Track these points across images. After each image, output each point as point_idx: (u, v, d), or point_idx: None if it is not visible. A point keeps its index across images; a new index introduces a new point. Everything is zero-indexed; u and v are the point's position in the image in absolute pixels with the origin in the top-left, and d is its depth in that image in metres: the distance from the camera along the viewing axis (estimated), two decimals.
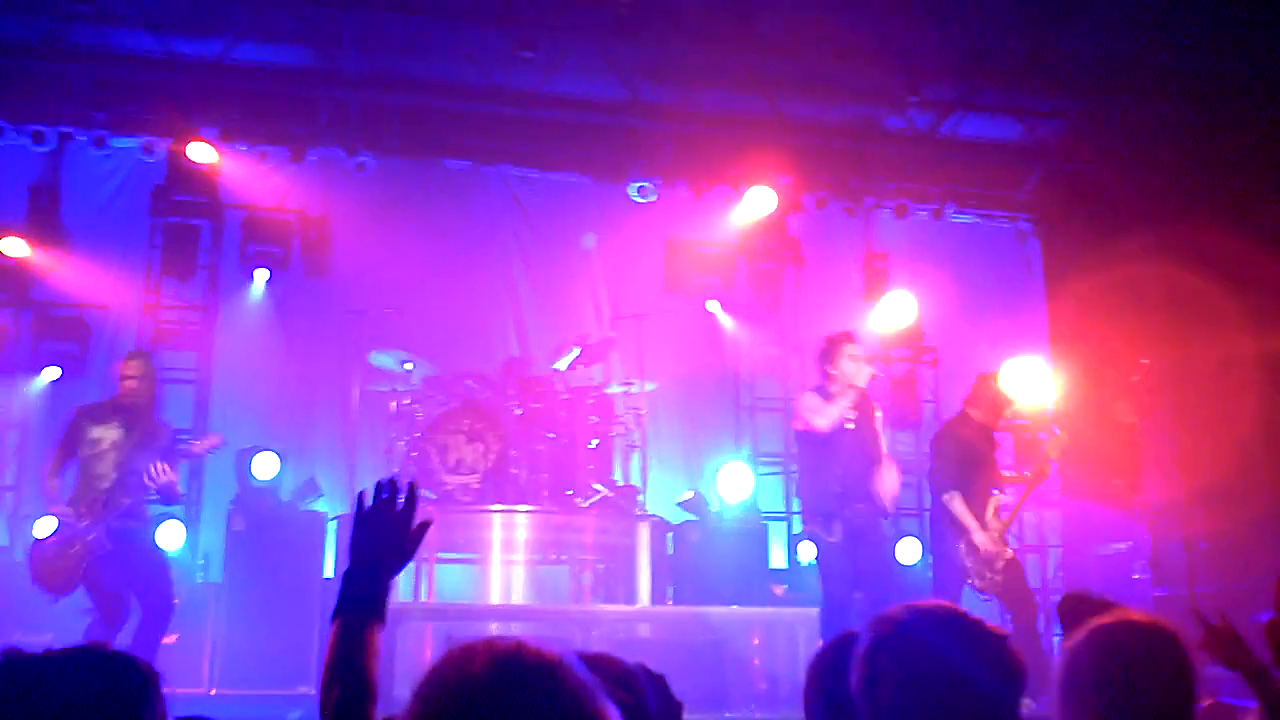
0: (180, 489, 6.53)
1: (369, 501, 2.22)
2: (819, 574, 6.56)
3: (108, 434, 6.26)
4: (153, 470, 6.05)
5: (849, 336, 6.73)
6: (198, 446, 6.57)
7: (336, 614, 2.14)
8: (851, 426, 6.49)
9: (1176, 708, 2.10)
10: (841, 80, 9.69)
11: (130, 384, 6.39)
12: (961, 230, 10.84)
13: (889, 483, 6.63)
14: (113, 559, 6.11)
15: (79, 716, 1.88)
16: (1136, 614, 2.36)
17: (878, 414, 6.76)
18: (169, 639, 6.49)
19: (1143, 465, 8.82)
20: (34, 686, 1.88)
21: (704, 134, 9.91)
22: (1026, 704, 2.12)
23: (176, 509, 7.70)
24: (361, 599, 2.14)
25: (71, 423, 6.38)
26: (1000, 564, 6.69)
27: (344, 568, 2.18)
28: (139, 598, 6.18)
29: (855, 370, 6.48)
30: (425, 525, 2.22)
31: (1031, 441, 8.62)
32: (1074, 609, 2.94)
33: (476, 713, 1.28)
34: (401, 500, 2.22)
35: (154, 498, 6.32)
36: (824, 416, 6.44)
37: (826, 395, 6.53)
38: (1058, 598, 8.53)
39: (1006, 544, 6.79)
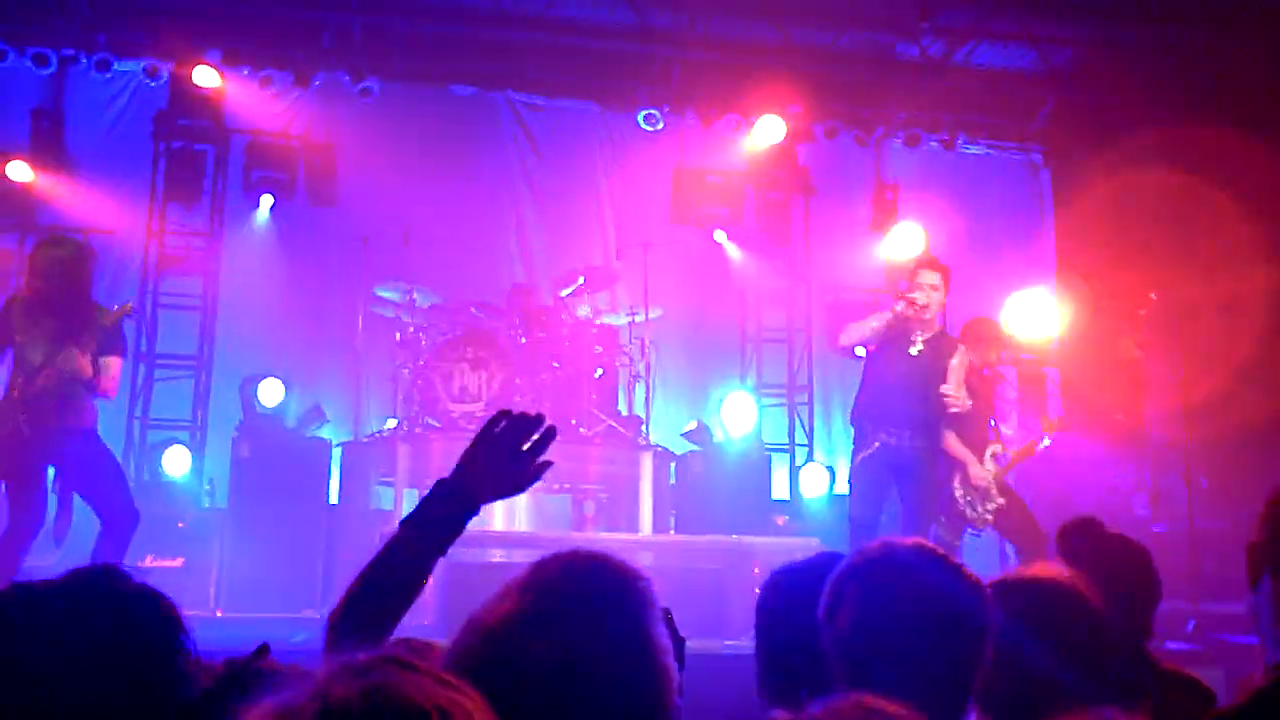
0: (100, 378, 5.74)
1: (502, 426, 2.03)
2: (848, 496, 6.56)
3: (42, 322, 5.71)
4: (110, 366, 5.67)
5: (930, 262, 6.62)
6: (108, 318, 5.81)
7: (406, 521, 1.98)
8: (915, 352, 6.41)
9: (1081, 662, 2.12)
10: (853, 7, 9.52)
11: (37, 284, 5.73)
12: (973, 161, 10.73)
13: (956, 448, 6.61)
14: (37, 453, 5.69)
15: (94, 666, 1.65)
16: (1048, 570, 2.35)
17: (954, 361, 6.50)
18: (174, 562, 6.57)
19: (1146, 400, 8.81)
20: (42, 629, 1.63)
21: (713, 61, 9.79)
22: None
23: (182, 435, 7.73)
24: (442, 519, 1.97)
25: (4, 310, 5.86)
26: (992, 505, 6.74)
27: (441, 478, 2.01)
28: (94, 507, 5.80)
29: (917, 294, 6.34)
30: (547, 465, 2.05)
31: (1034, 395, 8.60)
32: (1072, 536, 2.95)
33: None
34: (538, 435, 2.03)
35: (87, 387, 5.72)
36: (849, 334, 6.48)
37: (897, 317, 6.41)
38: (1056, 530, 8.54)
39: (1003, 487, 6.82)
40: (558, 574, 1.39)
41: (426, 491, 2.01)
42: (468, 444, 2.05)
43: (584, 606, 1.36)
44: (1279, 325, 8.37)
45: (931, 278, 6.42)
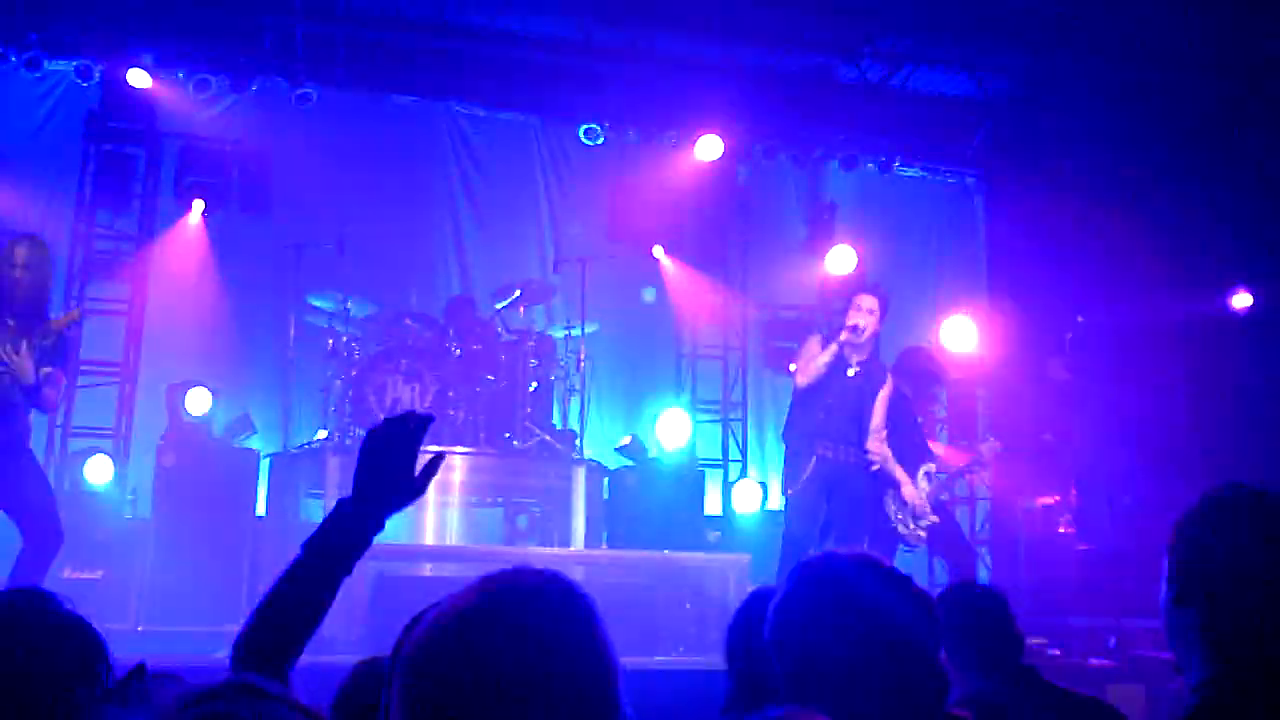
0: (45, 389, 5.61)
1: (383, 431, 1.97)
2: (784, 513, 6.61)
3: None
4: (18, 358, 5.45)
5: (870, 287, 6.72)
6: (56, 323, 5.74)
7: (309, 544, 1.92)
8: (851, 374, 6.50)
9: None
10: (794, 28, 9.62)
11: (20, 274, 5.63)
12: (909, 184, 10.88)
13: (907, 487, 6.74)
14: None
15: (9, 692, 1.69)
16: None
17: (882, 392, 6.62)
18: (94, 574, 6.41)
19: (1072, 421, 8.98)
20: None
21: (655, 78, 9.82)
22: None
23: (105, 444, 7.54)
24: (345, 536, 1.92)
25: None
26: (925, 523, 6.85)
27: (341, 497, 1.96)
28: (18, 522, 5.64)
29: (852, 319, 6.44)
30: (439, 459, 2.01)
31: (964, 414, 8.75)
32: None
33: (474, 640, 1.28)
34: (418, 433, 1.98)
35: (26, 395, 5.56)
36: (804, 372, 6.50)
37: (829, 340, 6.53)
38: (985, 550, 8.72)
39: (933, 509, 6.93)
40: (510, 577, 1.40)
41: (327, 512, 1.98)
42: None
43: (539, 602, 1.38)
44: (1200, 350, 8.59)
45: (870, 303, 6.51)
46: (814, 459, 6.44)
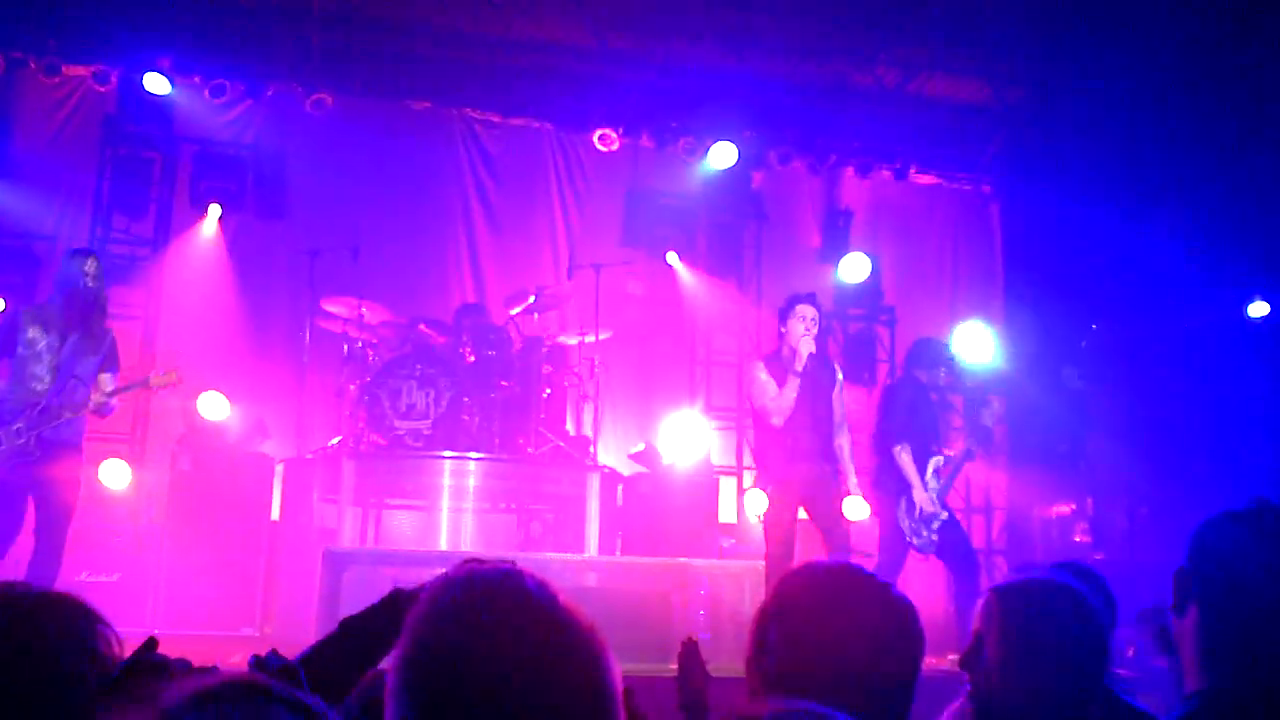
0: (114, 403, 6.13)
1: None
2: (763, 529, 6.61)
3: (46, 336, 5.93)
4: (101, 381, 5.97)
5: (805, 297, 6.64)
6: (155, 380, 6.33)
7: (351, 624, 2.07)
8: (796, 388, 6.47)
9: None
10: (810, 35, 9.62)
11: (90, 282, 6.05)
12: (924, 191, 10.86)
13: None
14: (33, 472, 5.80)
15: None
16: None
17: (839, 376, 6.73)
18: (110, 578, 6.43)
19: (1088, 430, 8.94)
20: None
21: (669, 85, 9.82)
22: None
23: (121, 448, 7.59)
24: (390, 624, 2.04)
25: (9, 321, 6.02)
26: (936, 524, 6.81)
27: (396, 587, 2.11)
28: (40, 528, 5.82)
29: (799, 332, 6.41)
30: None
31: (973, 407, 8.71)
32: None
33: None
34: None
35: (94, 409, 6.00)
36: (776, 412, 6.43)
37: (775, 361, 6.54)
38: (1001, 559, 8.69)
39: (942, 506, 6.91)
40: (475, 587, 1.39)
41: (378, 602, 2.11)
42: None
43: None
44: (1218, 359, 8.54)
45: (811, 312, 6.49)
46: (787, 479, 6.43)
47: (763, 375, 6.50)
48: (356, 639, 2.04)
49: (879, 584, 1.95)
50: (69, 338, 5.94)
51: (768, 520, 6.52)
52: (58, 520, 5.87)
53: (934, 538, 6.83)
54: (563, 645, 1.32)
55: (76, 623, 1.79)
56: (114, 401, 6.06)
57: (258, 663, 1.79)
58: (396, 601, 2.09)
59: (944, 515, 6.89)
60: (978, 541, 9.36)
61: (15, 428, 5.77)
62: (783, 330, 6.53)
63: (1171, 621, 1.86)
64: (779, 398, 6.40)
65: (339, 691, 2.00)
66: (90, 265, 6.11)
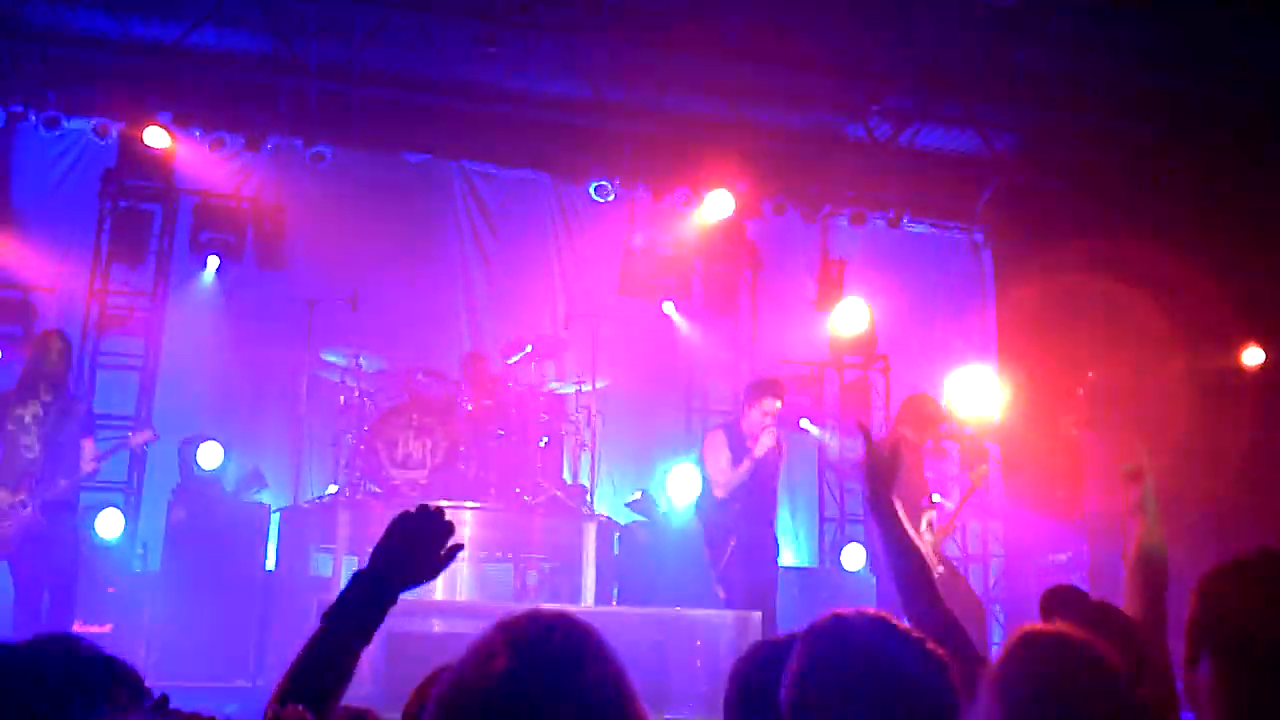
0: (99, 466, 6.81)
1: (410, 518, 2.15)
2: (723, 591, 6.98)
3: (29, 410, 6.47)
4: (84, 448, 6.52)
5: (773, 389, 7.09)
6: (134, 439, 6.89)
7: (328, 616, 2.05)
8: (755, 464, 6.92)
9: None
10: (802, 88, 9.73)
11: (54, 359, 6.63)
12: (917, 240, 10.94)
13: None
14: (39, 539, 6.24)
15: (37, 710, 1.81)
16: (1070, 628, 2.36)
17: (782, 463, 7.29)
18: (103, 628, 6.41)
19: (1085, 477, 8.93)
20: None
21: (665, 136, 9.93)
22: None
23: (116, 497, 7.61)
24: (360, 610, 2.05)
25: None
26: (935, 576, 6.79)
27: (358, 569, 2.10)
28: (49, 587, 6.26)
29: (761, 421, 6.88)
30: (458, 548, 2.17)
31: (971, 455, 8.71)
32: (1057, 604, 2.95)
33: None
34: (442, 526, 2.16)
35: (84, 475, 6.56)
36: (723, 487, 6.92)
37: (735, 436, 6.99)
38: (998, 607, 8.65)
39: (941, 557, 6.90)
40: (535, 631, 1.40)
41: (344, 586, 2.09)
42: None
43: (568, 657, 1.38)
44: (1215, 406, 8.56)
45: (775, 405, 6.96)
46: (730, 548, 6.87)
47: (722, 447, 6.99)
48: (338, 632, 2.05)
49: (915, 638, 1.93)
50: (49, 410, 6.50)
51: (722, 579, 7.00)
52: (64, 577, 6.30)
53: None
54: None
55: (109, 673, 1.91)
56: (99, 465, 6.72)
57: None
58: (364, 582, 2.09)
59: (940, 570, 6.87)
60: (976, 589, 9.32)
61: (19, 498, 6.29)
62: (747, 410, 6.99)
63: (1184, 675, 1.85)
64: (730, 474, 6.91)
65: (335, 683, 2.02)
66: (55, 343, 6.73)
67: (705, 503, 7.19)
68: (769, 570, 7.05)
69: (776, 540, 7.25)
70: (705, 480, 7.16)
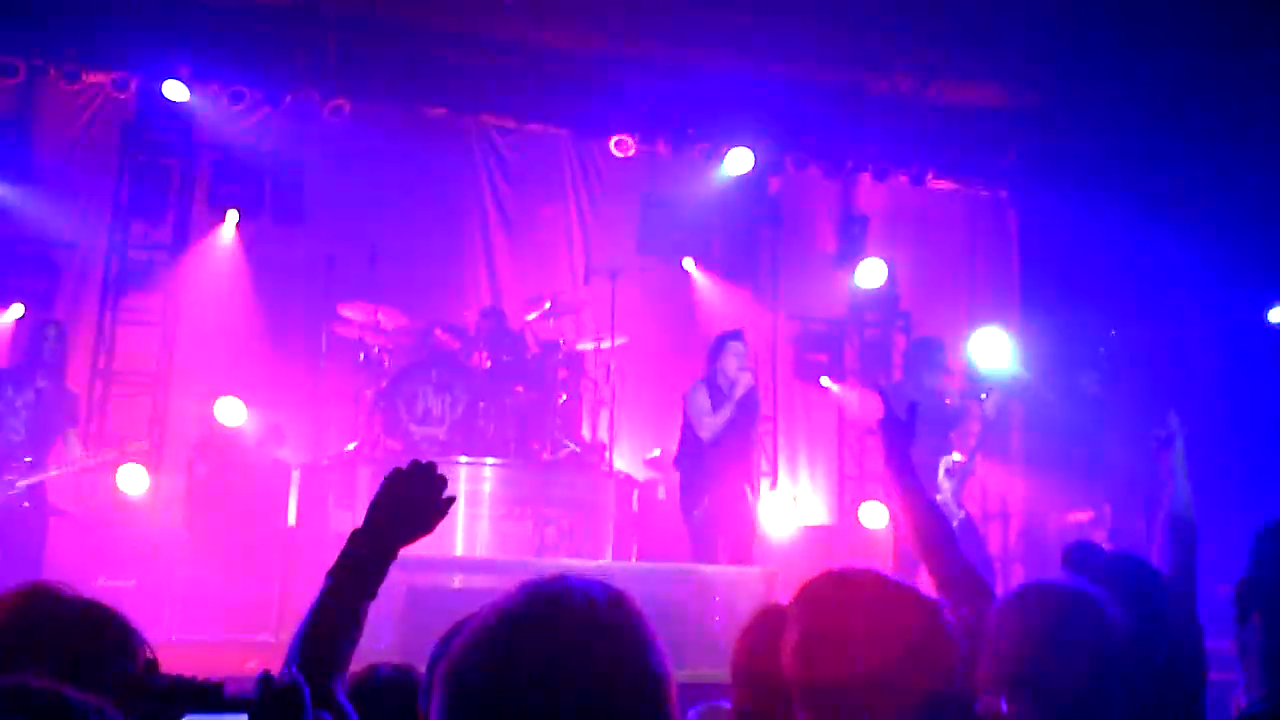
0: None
1: (402, 473, 2.18)
2: (690, 542, 7.19)
3: (24, 396, 6.74)
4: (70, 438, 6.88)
5: (735, 334, 7.41)
6: (105, 455, 7.29)
7: (331, 574, 2.09)
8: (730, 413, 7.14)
9: (1094, 674, 2.09)
10: (825, 41, 9.59)
11: (52, 347, 6.98)
12: (941, 196, 10.82)
13: None
14: (15, 523, 6.51)
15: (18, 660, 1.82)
16: (1065, 580, 2.35)
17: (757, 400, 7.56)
18: (127, 583, 6.48)
19: (1105, 436, 8.87)
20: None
21: (685, 90, 9.81)
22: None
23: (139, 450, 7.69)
24: (361, 566, 2.09)
25: None
26: (954, 521, 6.79)
27: (352, 529, 2.14)
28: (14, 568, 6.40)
29: (735, 366, 7.15)
30: (450, 500, 2.19)
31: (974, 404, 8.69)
32: (1082, 558, 2.94)
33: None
34: (434, 478, 2.18)
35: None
36: (707, 428, 7.14)
37: (714, 388, 7.18)
38: (1017, 565, 8.62)
39: (958, 505, 6.92)
40: (556, 586, 1.39)
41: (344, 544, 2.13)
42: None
43: (587, 611, 1.36)
44: (1238, 365, 8.48)
45: (743, 348, 7.34)
46: (708, 495, 7.14)
47: (703, 395, 7.22)
48: (341, 590, 2.08)
49: (908, 587, 1.92)
50: (42, 396, 6.76)
51: (692, 532, 7.24)
52: (32, 563, 6.44)
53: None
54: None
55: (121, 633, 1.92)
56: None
57: (264, 681, 1.82)
58: (361, 540, 2.12)
59: (960, 515, 6.90)
60: (994, 548, 9.31)
61: (7, 478, 6.55)
62: (716, 365, 7.25)
63: (1235, 632, 1.86)
64: (714, 417, 7.13)
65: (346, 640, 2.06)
66: (51, 332, 7.01)
67: (684, 455, 7.37)
68: (746, 526, 7.27)
69: (750, 493, 7.47)
70: (687, 431, 7.33)
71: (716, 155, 9.86)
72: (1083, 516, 8.98)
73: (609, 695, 1.28)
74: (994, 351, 8.20)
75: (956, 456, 7.08)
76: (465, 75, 9.72)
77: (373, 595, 2.08)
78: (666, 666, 1.35)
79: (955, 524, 6.78)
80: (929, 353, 7.49)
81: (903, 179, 10.41)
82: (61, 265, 8.94)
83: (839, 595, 1.92)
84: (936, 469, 6.92)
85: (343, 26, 9.23)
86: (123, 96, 9.06)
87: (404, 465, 2.19)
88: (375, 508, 2.14)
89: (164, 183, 9.17)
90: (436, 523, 2.18)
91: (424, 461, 2.18)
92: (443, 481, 2.18)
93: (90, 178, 9.14)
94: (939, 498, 6.81)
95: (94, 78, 9.03)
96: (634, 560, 8.19)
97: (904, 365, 8.25)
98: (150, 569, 7.35)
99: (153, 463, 8.51)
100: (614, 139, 9.81)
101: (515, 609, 1.34)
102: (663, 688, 1.33)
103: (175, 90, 8.85)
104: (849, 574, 1.96)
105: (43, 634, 1.87)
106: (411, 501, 2.15)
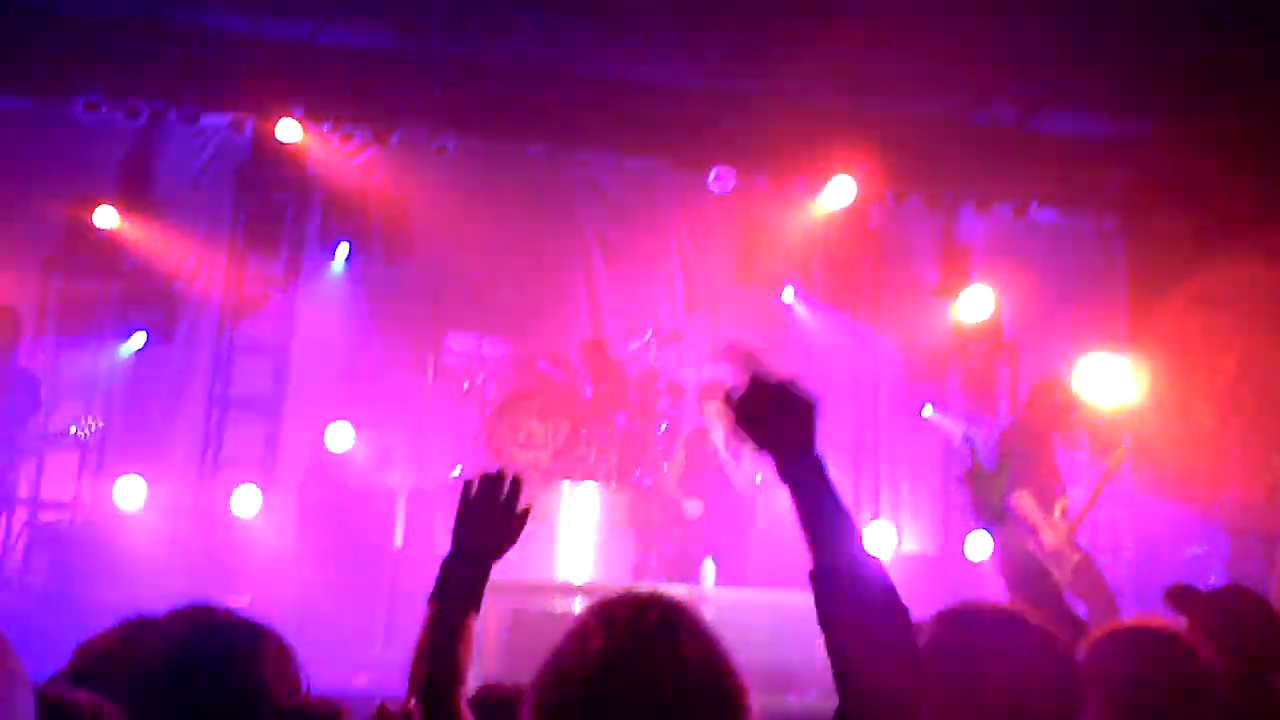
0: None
1: (473, 490, 2.24)
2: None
3: None
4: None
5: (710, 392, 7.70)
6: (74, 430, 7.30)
7: (433, 598, 2.16)
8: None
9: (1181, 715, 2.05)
10: (926, 73, 9.56)
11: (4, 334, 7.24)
12: (1045, 227, 10.67)
13: None
14: None
15: (191, 678, 1.93)
16: (1157, 620, 2.31)
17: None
18: (241, 600, 6.62)
19: (1222, 468, 8.61)
20: (152, 648, 1.97)
21: (784, 124, 9.85)
22: None
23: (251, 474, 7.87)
24: (459, 586, 2.16)
25: None
26: (1069, 564, 6.62)
27: (445, 553, 2.21)
28: None
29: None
30: (526, 511, 2.24)
31: (1104, 443, 8.47)
32: (1181, 599, 2.87)
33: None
34: (506, 489, 2.24)
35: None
36: None
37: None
38: (1134, 599, 8.33)
39: (1075, 545, 6.72)
40: (629, 610, 1.43)
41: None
42: (532, 490, 2.31)
43: (663, 635, 1.40)
44: None
45: (713, 407, 7.60)
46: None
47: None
48: (444, 614, 2.16)
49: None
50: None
51: None
52: None
53: (1069, 577, 6.62)
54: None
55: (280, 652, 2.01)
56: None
57: (380, 714, 1.91)
58: (450, 564, 2.20)
59: (1077, 556, 6.70)
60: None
61: None
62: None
63: None
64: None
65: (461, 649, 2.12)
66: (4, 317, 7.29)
67: None
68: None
69: None
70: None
71: (816, 187, 9.87)
72: (1198, 550, 8.71)
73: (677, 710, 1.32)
74: (1104, 380, 8.04)
75: (1067, 501, 6.88)
76: (567, 112, 9.89)
77: (476, 606, 2.16)
78: (744, 689, 1.38)
79: (1071, 568, 6.61)
80: (1045, 397, 7.23)
81: (1005, 210, 10.29)
82: (180, 297, 9.29)
83: (971, 640, 1.91)
84: (1052, 507, 6.74)
85: (448, 67, 9.48)
86: (239, 137, 9.41)
87: (472, 481, 2.24)
88: (456, 529, 2.21)
89: (277, 218, 9.50)
90: (518, 532, 2.22)
91: (494, 472, 2.23)
92: (516, 488, 2.22)
93: (208, 214, 9.51)
94: (1050, 539, 6.62)
95: (212, 119, 9.40)
96: (733, 587, 8.13)
97: (1020, 405, 7.95)
98: (263, 586, 7.54)
99: (265, 484, 8.76)
100: (714, 172, 9.87)
101: (596, 644, 1.38)
102: (732, 706, 1.36)
103: (288, 130, 9.17)
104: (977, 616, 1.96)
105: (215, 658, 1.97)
106: (488, 515, 2.21)
